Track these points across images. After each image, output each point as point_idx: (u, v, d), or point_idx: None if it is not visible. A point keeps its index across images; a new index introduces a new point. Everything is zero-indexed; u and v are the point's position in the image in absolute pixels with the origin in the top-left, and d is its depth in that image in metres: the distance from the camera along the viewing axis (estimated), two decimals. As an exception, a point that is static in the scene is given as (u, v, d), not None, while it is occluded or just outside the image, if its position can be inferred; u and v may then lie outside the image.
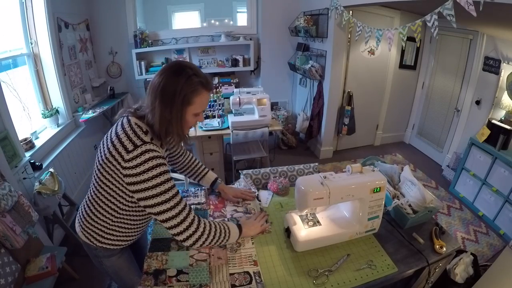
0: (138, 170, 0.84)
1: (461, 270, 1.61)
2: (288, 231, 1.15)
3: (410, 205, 1.26)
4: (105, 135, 0.97)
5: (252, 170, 1.57)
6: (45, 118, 2.49)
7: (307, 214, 1.19)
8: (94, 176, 0.97)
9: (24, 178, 1.90)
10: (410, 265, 1.07)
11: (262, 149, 2.90)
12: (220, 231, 1.01)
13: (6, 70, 2.18)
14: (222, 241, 1.02)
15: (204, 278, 0.98)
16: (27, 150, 2.10)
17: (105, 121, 3.53)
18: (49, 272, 1.62)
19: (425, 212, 1.22)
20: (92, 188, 1.00)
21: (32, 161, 2.04)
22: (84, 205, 1.06)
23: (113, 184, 0.92)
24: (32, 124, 2.38)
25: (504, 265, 1.44)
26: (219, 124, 2.74)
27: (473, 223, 2.57)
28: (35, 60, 2.49)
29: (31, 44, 2.44)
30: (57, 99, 2.66)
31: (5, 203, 1.49)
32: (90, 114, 2.85)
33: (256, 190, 1.47)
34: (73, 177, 2.60)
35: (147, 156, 0.85)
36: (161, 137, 0.95)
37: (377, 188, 1.10)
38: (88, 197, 1.03)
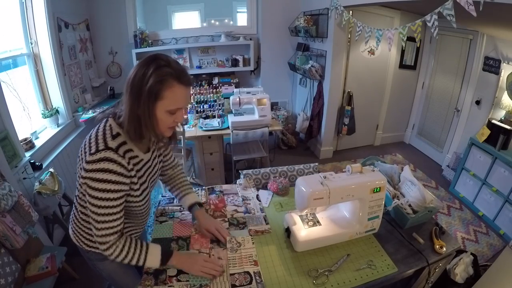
0: (90, 175, 0.80)
1: (461, 270, 1.61)
2: (288, 231, 1.15)
3: (410, 205, 1.26)
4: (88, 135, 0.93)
5: (252, 170, 1.57)
6: (45, 118, 2.49)
7: (307, 214, 1.19)
8: (77, 176, 0.93)
9: (24, 178, 1.90)
10: (410, 265, 1.07)
11: (262, 149, 2.90)
12: (134, 252, 0.92)
13: (6, 70, 2.18)
14: (136, 262, 0.93)
15: (204, 278, 0.98)
16: (27, 150, 2.10)
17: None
18: (49, 272, 1.62)
19: (425, 212, 1.22)
20: (77, 190, 0.97)
21: (32, 161, 2.04)
22: (74, 207, 1.04)
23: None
24: (32, 124, 2.38)
25: (504, 265, 1.44)
26: (219, 124, 2.74)
27: (473, 223, 2.57)
28: (35, 60, 2.49)
29: (31, 44, 2.44)
30: (57, 99, 2.66)
31: (5, 203, 1.49)
32: (90, 114, 2.85)
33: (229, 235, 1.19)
34: (73, 177, 2.60)
35: (102, 165, 0.80)
36: (131, 137, 0.88)
37: (377, 188, 1.10)
38: (76, 199, 1.01)
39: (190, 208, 1.21)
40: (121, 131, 0.88)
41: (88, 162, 0.81)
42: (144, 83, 0.80)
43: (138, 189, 0.94)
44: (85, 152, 0.84)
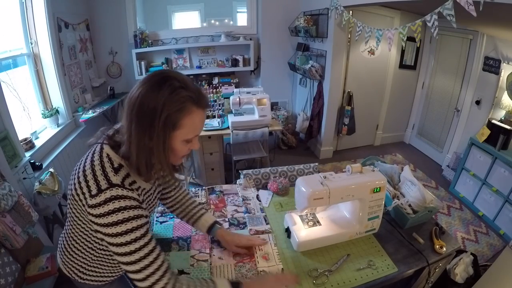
0: (102, 221, 0.68)
1: (461, 270, 1.61)
2: (288, 231, 1.15)
3: (410, 205, 1.26)
4: (77, 164, 0.78)
5: (252, 170, 1.57)
6: (45, 118, 2.49)
7: (307, 214, 1.19)
8: (68, 208, 0.80)
9: (24, 178, 1.90)
10: (410, 265, 1.07)
11: (262, 149, 2.90)
12: None
13: (6, 70, 2.18)
14: None
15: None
16: (27, 150, 2.10)
17: (105, 121, 3.53)
18: (49, 272, 1.62)
19: (425, 212, 1.22)
20: (68, 221, 0.85)
21: (32, 161, 2.04)
22: (63, 237, 0.91)
23: (84, 223, 0.77)
24: (32, 124, 2.38)
25: (504, 265, 1.44)
26: (219, 124, 2.74)
27: (473, 223, 2.57)
28: (35, 60, 2.49)
29: (31, 44, 2.44)
30: (57, 99, 2.66)
31: (5, 203, 1.49)
32: (90, 114, 2.85)
33: (267, 237, 1.17)
34: (73, 177, 2.60)
35: (111, 206, 0.67)
36: (141, 172, 0.74)
37: (377, 188, 1.09)
38: (66, 229, 0.89)
39: (209, 229, 1.09)
40: (123, 162, 0.74)
41: (92, 207, 0.68)
42: (158, 111, 0.66)
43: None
44: (82, 193, 0.70)
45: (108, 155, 0.74)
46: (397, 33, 2.25)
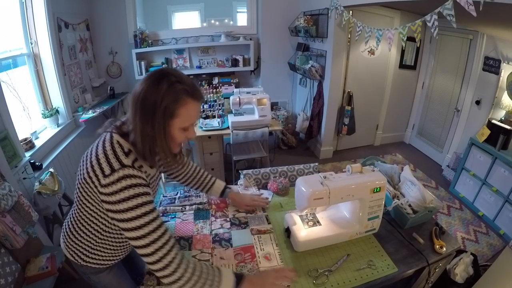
0: (114, 198, 0.75)
1: (461, 270, 1.61)
2: (288, 231, 1.15)
3: (410, 205, 1.26)
4: (87, 151, 0.86)
5: (252, 170, 1.57)
6: (45, 118, 2.49)
7: (307, 214, 1.19)
8: (76, 193, 0.87)
9: (24, 178, 1.90)
10: (410, 265, 1.07)
11: (262, 149, 2.90)
12: (206, 278, 0.81)
13: (6, 70, 2.18)
14: (204, 286, 0.81)
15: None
16: (27, 150, 2.10)
17: (105, 121, 3.52)
18: (49, 272, 1.62)
19: (425, 212, 1.22)
20: (75, 206, 0.92)
21: (32, 161, 2.04)
22: (68, 222, 0.99)
23: (93, 205, 0.84)
24: (32, 124, 2.38)
25: (504, 265, 1.44)
26: (219, 124, 2.74)
27: (473, 223, 2.57)
28: (35, 60, 2.49)
29: (31, 44, 2.44)
30: (57, 99, 2.66)
31: (5, 203, 1.49)
32: (90, 114, 2.85)
33: (267, 196, 1.41)
34: (73, 177, 2.60)
35: (123, 183, 0.75)
36: (146, 157, 0.83)
37: (377, 188, 1.10)
38: (72, 214, 0.96)
39: (222, 194, 1.30)
40: (132, 148, 0.83)
41: (105, 186, 0.75)
42: (158, 102, 0.76)
43: None
44: (95, 175, 0.77)
45: (118, 141, 0.83)
46: (397, 33, 2.25)
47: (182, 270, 0.78)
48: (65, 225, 1.00)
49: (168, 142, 0.83)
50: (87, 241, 0.94)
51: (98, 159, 0.79)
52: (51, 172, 2.03)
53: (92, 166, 0.79)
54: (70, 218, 0.97)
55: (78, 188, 0.84)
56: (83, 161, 0.84)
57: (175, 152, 0.92)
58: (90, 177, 0.79)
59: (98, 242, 0.94)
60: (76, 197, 0.87)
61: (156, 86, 0.77)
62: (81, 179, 0.82)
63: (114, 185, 0.75)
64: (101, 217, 0.87)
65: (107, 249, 0.97)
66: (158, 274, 0.78)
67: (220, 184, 1.30)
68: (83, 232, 0.92)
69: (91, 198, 0.82)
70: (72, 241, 0.96)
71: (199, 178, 1.27)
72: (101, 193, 0.77)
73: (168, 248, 0.78)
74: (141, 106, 0.78)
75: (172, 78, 0.79)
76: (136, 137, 0.81)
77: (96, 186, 0.78)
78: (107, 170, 0.76)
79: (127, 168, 0.77)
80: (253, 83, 4.14)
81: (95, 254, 0.97)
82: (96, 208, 0.84)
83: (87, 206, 0.85)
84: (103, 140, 0.84)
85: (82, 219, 0.90)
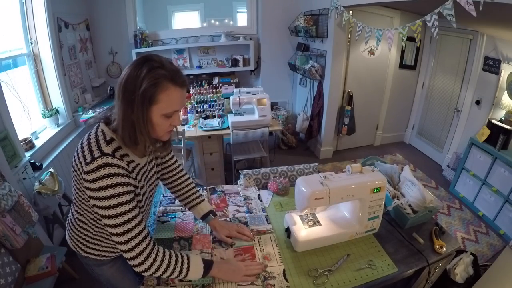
0: (94, 185, 0.76)
1: (461, 270, 1.61)
2: (288, 231, 1.15)
3: (410, 205, 1.26)
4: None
5: (252, 170, 1.57)
6: (45, 118, 2.49)
7: (307, 214, 1.19)
8: (72, 182, 0.90)
9: (24, 178, 1.90)
10: (410, 265, 1.07)
11: (262, 149, 2.90)
12: (175, 266, 0.86)
13: (6, 70, 2.18)
14: (178, 275, 0.87)
15: (207, 279, 0.98)
16: (27, 150, 2.10)
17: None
18: (49, 272, 1.63)
19: (425, 212, 1.22)
20: (73, 196, 0.95)
21: (32, 161, 2.04)
22: (70, 213, 1.01)
23: (83, 193, 0.85)
24: (32, 124, 2.38)
25: (504, 265, 1.44)
26: (219, 124, 2.74)
27: (473, 223, 2.57)
28: (35, 60, 2.49)
29: (31, 44, 2.44)
30: (57, 99, 2.66)
31: (5, 203, 1.49)
32: (90, 114, 2.85)
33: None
34: (73, 177, 2.60)
35: (102, 172, 0.76)
36: (126, 143, 0.83)
37: (377, 188, 1.10)
38: (72, 205, 0.99)
39: (203, 217, 1.17)
40: (115, 136, 0.84)
41: (86, 173, 0.77)
42: (137, 87, 0.76)
43: (139, 194, 0.91)
44: (80, 163, 0.80)
45: (102, 130, 0.84)
46: (397, 33, 2.25)
47: (152, 259, 0.82)
48: (69, 217, 1.03)
49: (147, 128, 0.82)
50: (86, 230, 0.96)
51: (82, 147, 0.82)
52: (51, 172, 2.03)
53: (77, 154, 0.82)
54: (72, 208, 1.00)
55: (72, 177, 0.87)
56: (75, 152, 0.87)
57: (163, 140, 0.93)
58: (76, 165, 0.82)
59: (96, 232, 0.96)
60: (73, 186, 0.90)
61: (137, 71, 0.77)
62: (72, 168, 0.85)
63: (93, 173, 0.76)
64: (90, 207, 0.88)
65: (104, 239, 0.99)
66: (130, 262, 0.82)
67: (205, 206, 1.18)
68: (81, 222, 0.95)
69: (79, 187, 0.84)
70: (73, 231, 0.99)
71: (186, 192, 1.18)
72: (84, 179, 0.78)
73: (141, 238, 0.82)
74: (123, 90, 0.79)
75: (154, 63, 0.78)
76: (118, 123, 0.81)
77: (80, 173, 0.80)
78: (88, 158, 0.78)
79: (106, 157, 0.78)
80: (253, 83, 4.14)
81: (94, 244, 0.99)
82: (85, 196, 0.85)
83: (79, 195, 0.87)
84: (90, 130, 0.87)
85: (79, 209, 0.92)
